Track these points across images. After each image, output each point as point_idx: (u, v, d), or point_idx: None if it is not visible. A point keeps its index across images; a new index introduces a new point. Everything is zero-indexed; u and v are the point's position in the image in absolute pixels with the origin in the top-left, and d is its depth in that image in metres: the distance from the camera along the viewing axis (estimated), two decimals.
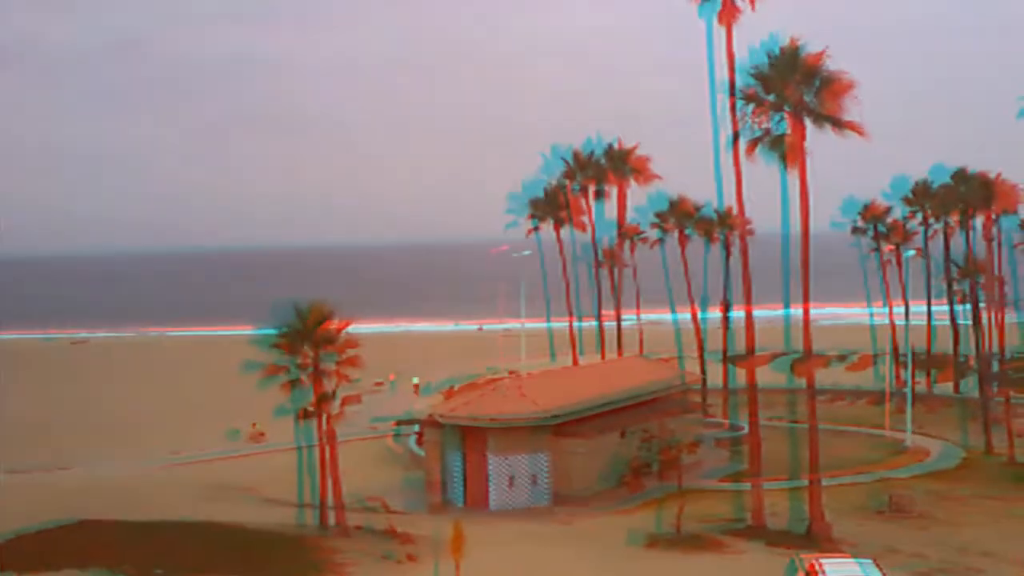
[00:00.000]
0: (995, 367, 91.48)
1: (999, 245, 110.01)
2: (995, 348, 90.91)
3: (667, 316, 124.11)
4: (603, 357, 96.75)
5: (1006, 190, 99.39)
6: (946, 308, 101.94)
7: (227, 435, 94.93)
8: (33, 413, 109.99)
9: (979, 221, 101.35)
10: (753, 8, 58.48)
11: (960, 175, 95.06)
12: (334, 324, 56.22)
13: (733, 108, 55.73)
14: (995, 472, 74.44)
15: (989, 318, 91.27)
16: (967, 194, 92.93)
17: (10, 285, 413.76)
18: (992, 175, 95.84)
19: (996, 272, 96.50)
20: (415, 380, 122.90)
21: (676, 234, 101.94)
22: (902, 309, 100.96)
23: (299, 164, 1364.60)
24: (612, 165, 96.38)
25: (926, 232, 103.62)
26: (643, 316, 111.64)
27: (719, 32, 59.19)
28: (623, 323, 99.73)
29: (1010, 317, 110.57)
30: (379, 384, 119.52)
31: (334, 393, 56.48)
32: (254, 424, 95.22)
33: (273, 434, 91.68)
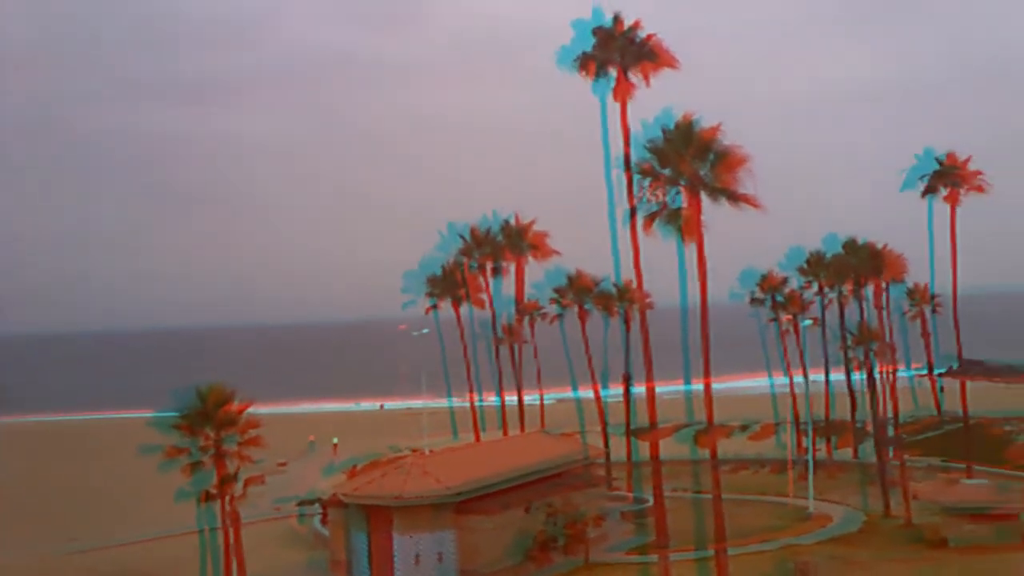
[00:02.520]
0: (891, 431, 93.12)
1: (889, 312, 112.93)
2: (890, 413, 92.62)
3: (569, 392, 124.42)
4: (505, 434, 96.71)
5: (893, 260, 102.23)
6: (843, 376, 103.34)
7: None
8: None
9: (871, 290, 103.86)
10: (648, 84, 59.68)
11: (851, 245, 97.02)
12: (235, 406, 55.68)
13: (630, 183, 56.40)
14: (894, 535, 75.56)
15: (883, 384, 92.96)
16: (858, 264, 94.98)
17: None
18: (879, 245, 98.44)
19: (888, 338, 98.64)
20: (335, 440, 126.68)
21: (575, 309, 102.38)
22: (801, 378, 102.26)
23: (195, 243, 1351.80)
24: (509, 242, 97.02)
25: (822, 301, 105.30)
26: (545, 392, 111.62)
27: (613, 107, 60.34)
28: (525, 399, 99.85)
29: (902, 383, 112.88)
30: (282, 464, 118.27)
31: (236, 475, 55.79)
32: None
33: None
